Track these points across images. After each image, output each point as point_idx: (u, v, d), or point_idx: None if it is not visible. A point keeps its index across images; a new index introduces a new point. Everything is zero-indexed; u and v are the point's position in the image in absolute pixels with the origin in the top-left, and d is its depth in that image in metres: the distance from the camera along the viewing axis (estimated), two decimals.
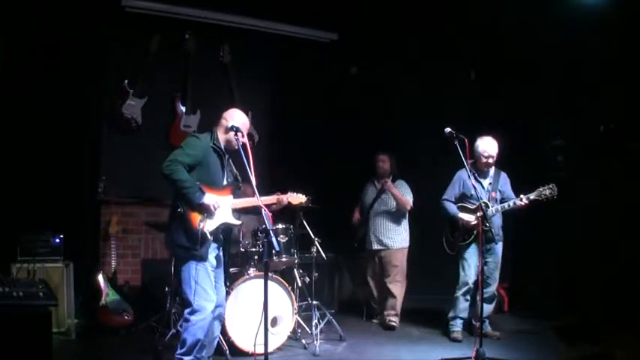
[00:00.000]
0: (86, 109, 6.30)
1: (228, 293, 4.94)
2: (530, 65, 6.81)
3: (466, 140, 5.44)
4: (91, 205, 6.27)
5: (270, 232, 3.80)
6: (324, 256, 5.64)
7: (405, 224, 6.23)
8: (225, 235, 4.41)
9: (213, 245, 4.26)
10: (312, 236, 5.60)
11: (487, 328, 5.74)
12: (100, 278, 5.66)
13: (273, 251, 4.09)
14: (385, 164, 6.24)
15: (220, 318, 4.43)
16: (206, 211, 4.14)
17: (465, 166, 5.36)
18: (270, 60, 7.18)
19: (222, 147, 4.38)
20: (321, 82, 7.20)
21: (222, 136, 4.39)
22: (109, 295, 5.62)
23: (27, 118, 5.79)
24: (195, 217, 4.13)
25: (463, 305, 5.67)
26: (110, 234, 6.03)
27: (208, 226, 4.15)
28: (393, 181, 6.20)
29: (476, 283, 5.64)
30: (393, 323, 6.07)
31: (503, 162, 6.37)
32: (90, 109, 6.34)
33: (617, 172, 6.29)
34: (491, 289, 5.68)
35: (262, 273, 3.90)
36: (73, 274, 5.53)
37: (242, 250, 5.40)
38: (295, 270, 5.59)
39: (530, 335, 5.89)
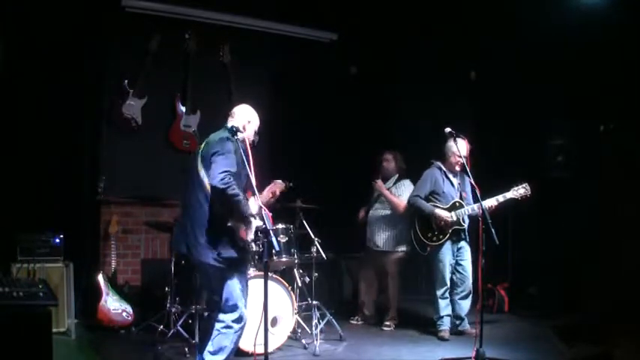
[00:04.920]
0: (86, 109, 6.30)
1: None
2: (530, 65, 6.81)
3: (466, 140, 5.47)
4: (91, 205, 6.27)
5: (270, 232, 3.79)
6: (324, 256, 5.63)
7: (401, 228, 6.04)
8: None
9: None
10: (312, 236, 5.60)
11: (466, 326, 5.78)
12: (100, 278, 5.66)
13: (273, 251, 4.08)
14: (389, 164, 6.17)
15: None
16: (248, 221, 3.98)
17: (465, 165, 5.39)
18: (270, 60, 7.18)
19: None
20: (321, 82, 7.20)
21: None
22: (109, 295, 5.62)
23: (27, 118, 5.79)
24: (240, 228, 3.99)
25: (445, 304, 5.72)
26: (110, 234, 6.04)
27: (250, 234, 4.01)
28: (398, 180, 6.16)
29: (453, 281, 5.72)
30: (387, 328, 6.06)
31: (503, 162, 6.39)
32: (90, 109, 6.34)
33: (617, 172, 6.29)
34: (467, 285, 5.73)
35: (262, 273, 3.89)
36: (73, 274, 5.52)
37: None
38: (295, 270, 5.59)
39: (530, 335, 5.89)
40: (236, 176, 3.95)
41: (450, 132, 4.93)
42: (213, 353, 4.09)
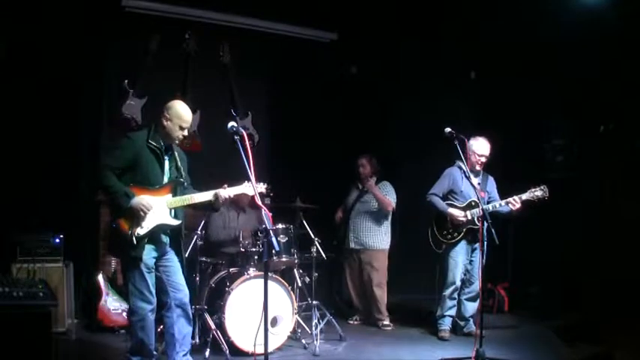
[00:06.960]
0: (86, 109, 6.30)
1: (228, 293, 4.95)
2: (530, 65, 6.81)
3: (466, 140, 5.47)
4: (91, 205, 6.26)
5: (270, 232, 3.79)
6: (324, 256, 5.64)
7: (386, 226, 6.18)
8: (173, 235, 4.32)
9: (150, 247, 4.16)
10: (312, 236, 5.60)
11: (472, 327, 5.75)
12: (100, 278, 5.66)
13: (273, 251, 4.07)
14: (365, 169, 6.21)
15: (187, 315, 4.32)
16: (135, 215, 4.05)
17: (464, 165, 5.39)
18: (270, 60, 7.18)
19: (161, 143, 4.20)
20: (321, 82, 7.19)
21: (160, 132, 4.23)
22: (109, 295, 5.62)
23: (27, 118, 5.79)
24: (125, 221, 4.06)
25: (450, 304, 5.71)
26: None
27: (140, 230, 4.07)
28: (377, 182, 6.19)
29: (462, 281, 5.70)
30: (387, 328, 6.06)
31: (503, 162, 6.38)
32: (90, 109, 6.34)
33: (617, 172, 6.29)
34: (475, 287, 5.71)
35: (262, 273, 3.89)
36: (73, 274, 5.53)
37: (242, 250, 5.40)
38: (295, 270, 5.59)
39: (530, 335, 5.89)
40: (126, 171, 4.09)
41: (449, 132, 4.92)
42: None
